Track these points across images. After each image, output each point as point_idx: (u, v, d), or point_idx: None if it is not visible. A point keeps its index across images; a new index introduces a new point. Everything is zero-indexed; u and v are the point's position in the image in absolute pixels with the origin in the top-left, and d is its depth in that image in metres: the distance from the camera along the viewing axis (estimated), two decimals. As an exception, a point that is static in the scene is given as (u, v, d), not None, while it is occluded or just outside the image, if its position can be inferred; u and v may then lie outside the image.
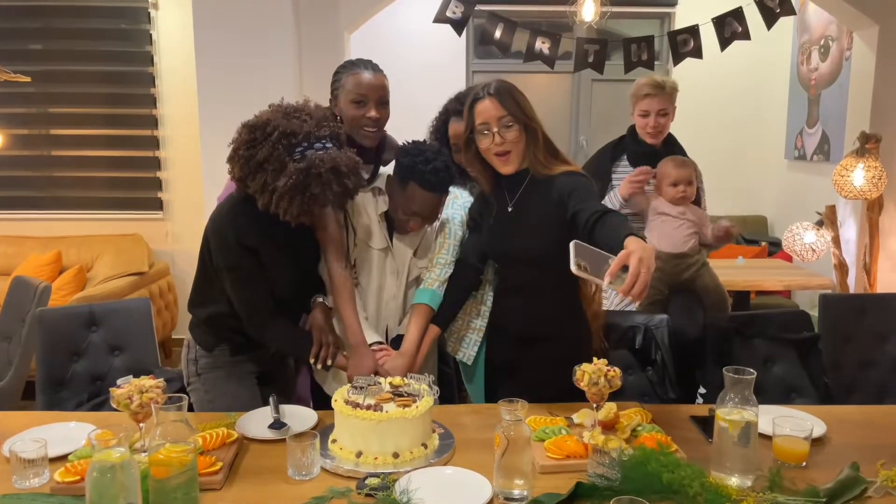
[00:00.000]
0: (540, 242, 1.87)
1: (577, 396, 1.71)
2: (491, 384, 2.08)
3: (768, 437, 1.60)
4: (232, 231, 1.84)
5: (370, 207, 2.07)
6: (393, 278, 2.10)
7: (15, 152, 4.67)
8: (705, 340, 2.40)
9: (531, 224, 1.88)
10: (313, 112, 1.82)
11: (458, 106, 2.12)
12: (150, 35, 4.58)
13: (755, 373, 1.50)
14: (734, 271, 3.85)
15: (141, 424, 1.56)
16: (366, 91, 1.99)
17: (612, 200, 2.61)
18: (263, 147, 1.72)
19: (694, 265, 2.55)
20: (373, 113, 1.99)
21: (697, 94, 4.89)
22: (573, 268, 1.50)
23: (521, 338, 1.98)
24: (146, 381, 1.55)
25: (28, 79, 3.75)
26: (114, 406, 1.53)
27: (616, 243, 1.53)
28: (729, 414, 1.48)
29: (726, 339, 2.35)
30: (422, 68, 4.95)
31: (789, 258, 4.36)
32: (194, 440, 1.41)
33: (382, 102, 2.03)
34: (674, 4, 5.01)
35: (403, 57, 4.97)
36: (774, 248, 4.65)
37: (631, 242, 1.48)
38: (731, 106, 5.24)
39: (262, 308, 1.91)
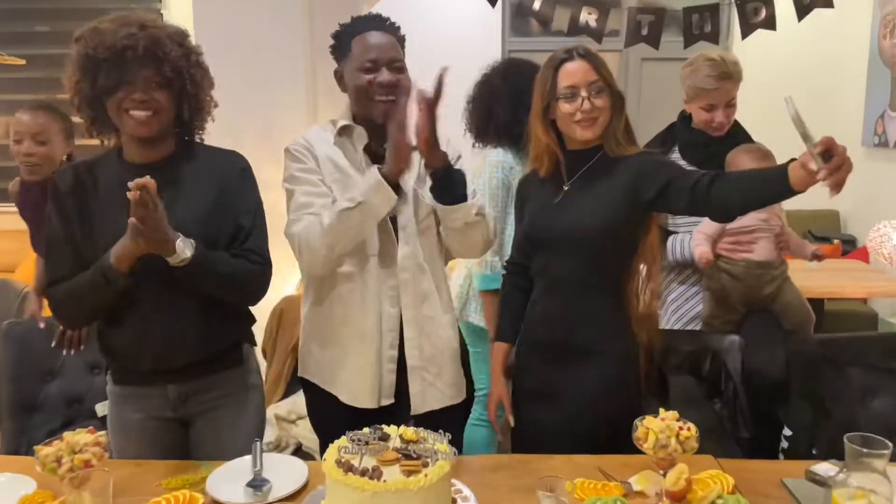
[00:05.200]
0: (595, 222, 1.62)
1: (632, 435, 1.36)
2: (521, 412, 1.75)
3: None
4: (52, 192, 1.55)
5: (344, 150, 1.65)
6: (395, 241, 1.65)
7: (21, 141, 4.43)
8: (788, 369, 2.00)
9: (589, 202, 1.65)
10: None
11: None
12: (161, 15, 4.28)
13: (891, 445, 1.11)
14: (806, 275, 3.36)
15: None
16: None
17: (676, 249, 2.16)
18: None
19: (777, 278, 2.13)
20: None
21: (761, 72, 4.39)
22: (792, 110, 1.28)
23: (559, 352, 1.67)
24: (81, 437, 1.21)
25: (22, 61, 3.49)
26: (38, 469, 1.20)
27: (773, 176, 1.42)
28: (851, 497, 1.10)
29: (814, 367, 1.97)
30: (452, 47, 4.48)
31: (866, 258, 3.86)
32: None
33: None
34: (735, -28, 4.51)
35: (431, 34, 4.52)
36: (848, 246, 4.16)
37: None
38: (799, 86, 4.68)
39: (55, 282, 1.53)
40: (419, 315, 1.65)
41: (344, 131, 1.65)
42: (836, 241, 4.18)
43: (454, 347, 1.71)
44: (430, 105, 1.45)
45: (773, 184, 1.41)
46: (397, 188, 1.52)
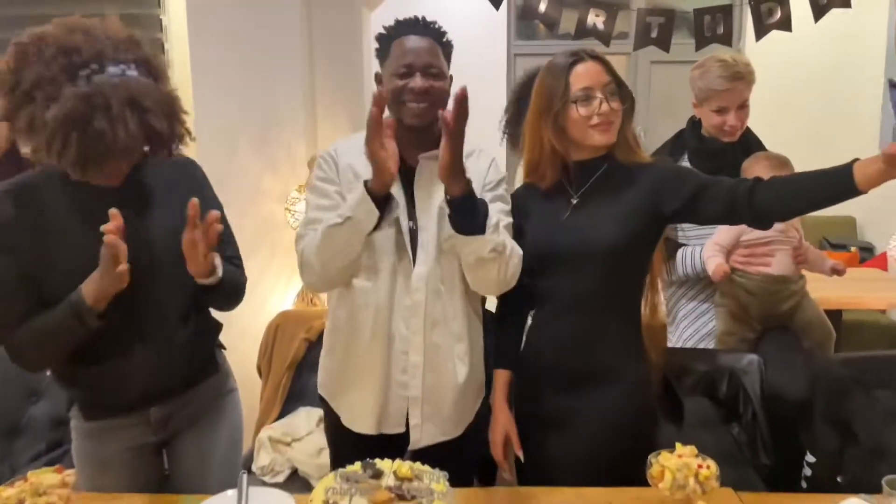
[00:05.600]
0: (612, 237, 1.51)
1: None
2: (527, 443, 1.62)
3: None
4: None
5: (368, 164, 1.50)
6: (411, 259, 1.52)
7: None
8: (811, 391, 1.88)
9: (604, 215, 1.54)
10: (113, 32, 1.31)
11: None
12: (161, 21, 4.19)
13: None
14: (823, 285, 3.23)
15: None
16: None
17: (687, 262, 2.06)
18: (34, 67, 1.23)
19: (796, 293, 2.01)
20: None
21: (772, 74, 4.25)
22: None
23: (573, 377, 1.56)
24: (46, 478, 1.12)
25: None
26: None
27: (832, 176, 1.33)
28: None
29: (839, 389, 1.84)
30: (456, 50, 4.42)
31: (884, 265, 3.73)
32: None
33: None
34: (747, -27, 4.38)
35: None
36: (865, 253, 4.02)
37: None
38: (812, 88, 4.57)
39: (12, 325, 1.38)
40: (428, 342, 1.54)
41: None
42: (853, 249, 4.04)
43: (459, 383, 1.57)
44: (453, 130, 1.32)
45: (834, 184, 1.32)
46: (388, 201, 1.43)
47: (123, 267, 1.28)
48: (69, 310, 1.32)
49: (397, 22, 1.55)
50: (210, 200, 1.55)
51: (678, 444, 1.24)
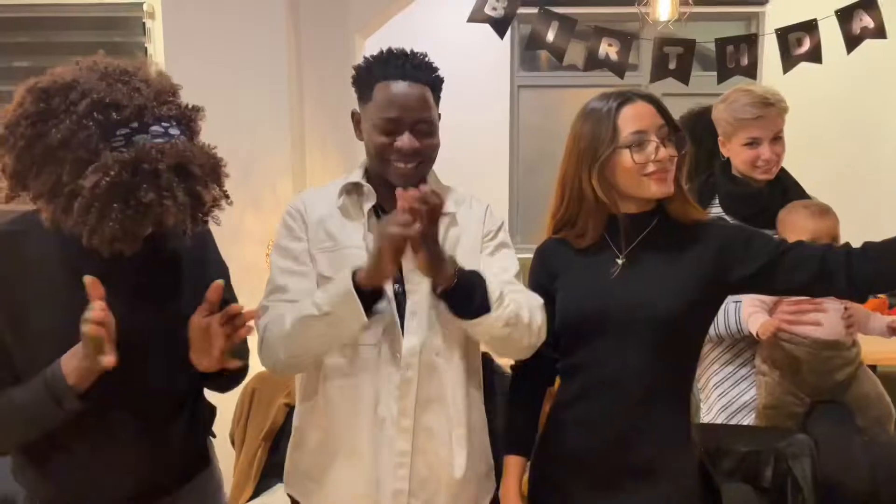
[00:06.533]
0: (672, 303, 1.32)
1: None
2: None
3: None
4: None
5: (348, 213, 1.37)
6: (399, 329, 1.32)
7: None
8: (873, 478, 1.63)
9: (659, 275, 1.36)
10: (151, 79, 1.13)
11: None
12: (146, 49, 4.03)
13: None
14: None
15: None
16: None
17: (720, 321, 1.81)
18: (63, 122, 1.03)
19: (851, 362, 1.77)
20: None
21: (795, 102, 4.07)
22: None
23: (608, 470, 1.36)
24: None
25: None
26: None
27: None
28: None
29: None
30: (456, 82, 4.21)
31: (915, 313, 3.48)
32: None
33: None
34: (764, 2, 4.20)
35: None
36: (894, 299, 3.76)
37: None
38: (836, 116, 4.33)
39: None
40: (417, 426, 1.31)
41: (353, 188, 1.37)
42: (880, 295, 3.80)
43: (457, 473, 1.34)
44: (421, 240, 1.15)
45: None
46: (376, 297, 1.23)
47: (110, 360, 1.05)
48: (43, 388, 1.10)
49: (381, 60, 1.33)
50: (214, 255, 1.38)
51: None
